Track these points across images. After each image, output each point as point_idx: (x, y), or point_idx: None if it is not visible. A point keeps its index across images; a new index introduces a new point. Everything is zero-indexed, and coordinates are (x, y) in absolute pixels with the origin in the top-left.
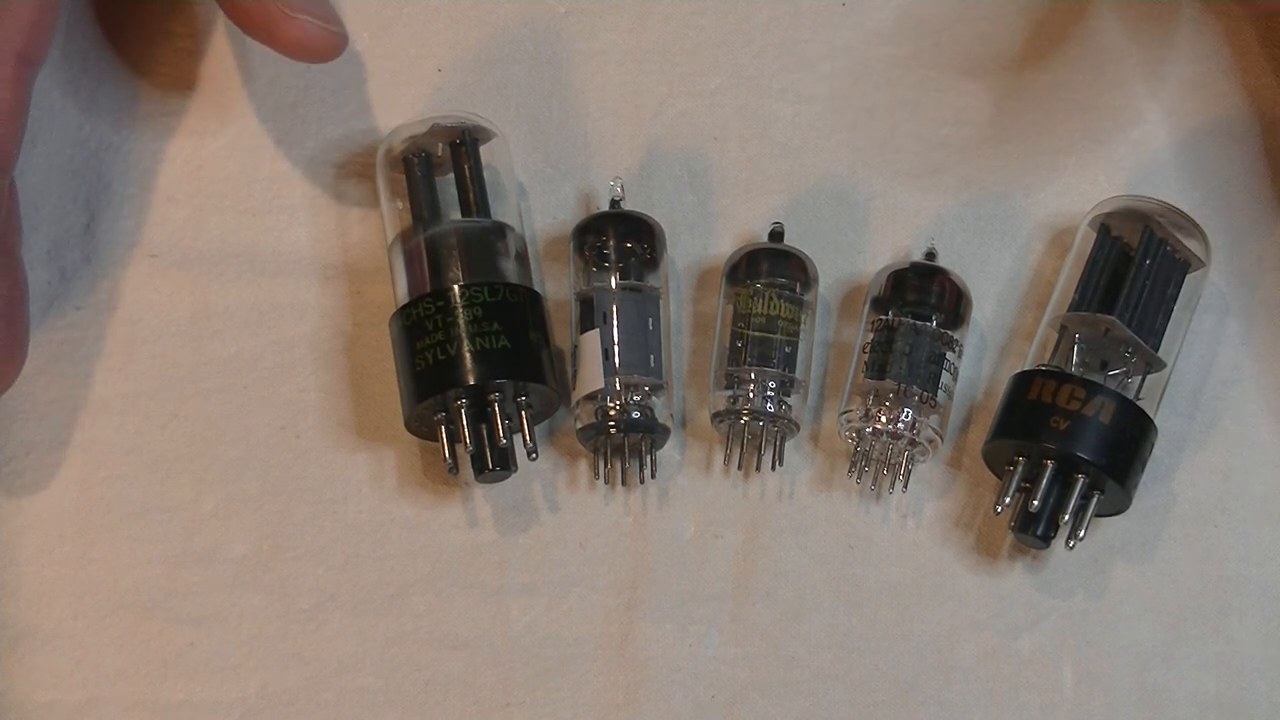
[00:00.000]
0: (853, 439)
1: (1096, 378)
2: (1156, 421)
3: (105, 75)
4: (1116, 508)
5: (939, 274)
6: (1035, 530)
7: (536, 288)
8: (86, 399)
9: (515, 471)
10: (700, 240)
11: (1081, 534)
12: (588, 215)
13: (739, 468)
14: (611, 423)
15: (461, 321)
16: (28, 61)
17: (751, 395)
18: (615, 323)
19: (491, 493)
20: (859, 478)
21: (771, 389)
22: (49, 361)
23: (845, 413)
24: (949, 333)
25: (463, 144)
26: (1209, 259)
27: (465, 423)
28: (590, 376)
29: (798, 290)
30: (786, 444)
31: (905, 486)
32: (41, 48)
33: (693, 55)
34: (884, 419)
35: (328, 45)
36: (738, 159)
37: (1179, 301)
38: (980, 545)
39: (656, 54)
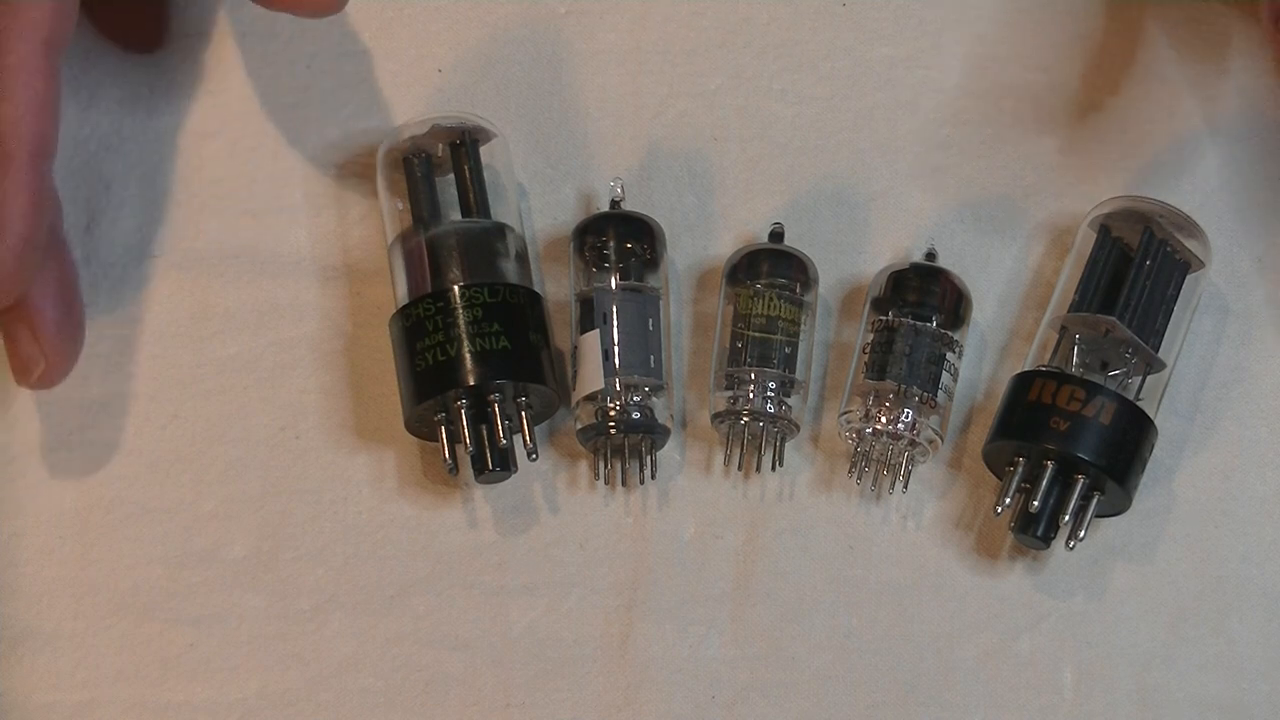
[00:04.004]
0: (853, 439)
1: (1096, 378)
2: (1156, 422)
3: (105, 75)
4: (1117, 508)
5: (939, 274)
6: (1035, 531)
7: (536, 288)
8: (86, 399)
9: (515, 472)
10: (700, 240)
11: (1082, 535)
12: (588, 216)
13: (739, 468)
14: (611, 423)
15: (461, 322)
16: (55, 48)
17: (752, 396)
18: (615, 323)
19: (491, 493)
20: (859, 478)
21: (771, 389)
22: None
23: (845, 413)
24: (949, 333)
25: (463, 144)
26: (1209, 259)
27: (465, 423)
28: (590, 377)
29: (798, 291)
30: (786, 445)
31: (905, 487)
32: (65, 33)
33: (693, 55)
34: (884, 419)
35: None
36: (738, 159)
37: (1179, 302)
38: (980, 546)
39: (656, 54)
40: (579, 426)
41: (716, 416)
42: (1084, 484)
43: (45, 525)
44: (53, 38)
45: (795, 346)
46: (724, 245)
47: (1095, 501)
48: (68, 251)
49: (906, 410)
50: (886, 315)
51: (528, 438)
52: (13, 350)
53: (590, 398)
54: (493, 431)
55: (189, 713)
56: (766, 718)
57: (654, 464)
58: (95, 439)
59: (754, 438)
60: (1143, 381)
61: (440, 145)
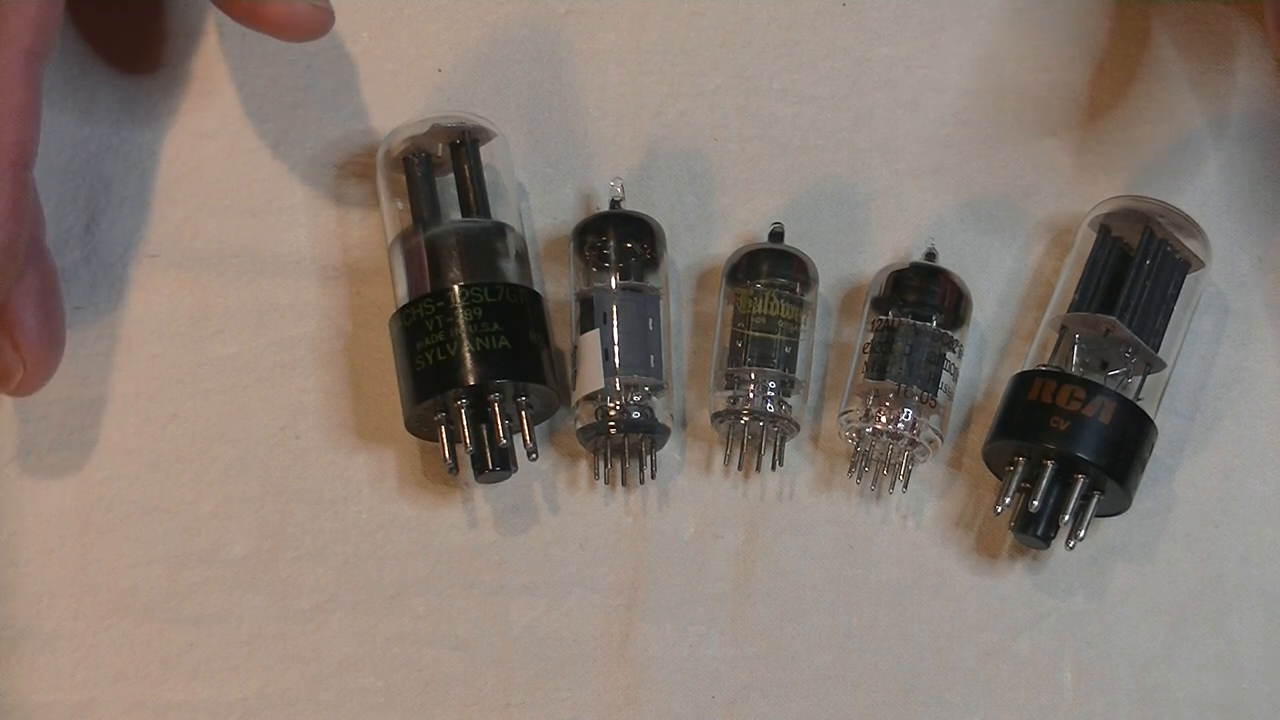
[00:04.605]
0: (853, 439)
1: (1096, 378)
2: (1156, 422)
3: (104, 76)
4: (1116, 508)
5: (939, 274)
6: (1035, 530)
7: (536, 288)
8: (86, 399)
9: (515, 472)
10: (700, 240)
11: (1081, 534)
12: (588, 215)
13: (739, 468)
14: (611, 423)
15: (461, 322)
16: (37, 58)
17: (751, 395)
18: (615, 323)
19: (491, 493)
20: (859, 478)
21: (771, 389)
22: None
23: (845, 413)
24: (949, 333)
25: (463, 144)
26: (1209, 259)
27: (465, 423)
28: (590, 377)
29: (798, 290)
30: (786, 444)
31: (905, 487)
32: (48, 43)
33: (693, 55)
34: (884, 419)
35: (314, 22)
36: (738, 159)
37: (1179, 302)
38: (980, 546)
39: (656, 54)
40: (579, 426)
41: (716, 416)
42: (1084, 484)
43: (45, 525)
44: (35, 47)
45: (795, 346)
46: (724, 245)
47: (1095, 501)
48: (49, 259)
49: (906, 410)
50: (886, 315)
51: (528, 437)
52: None
53: (590, 397)
54: (493, 431)
55: (189, 713)
56: (766, 718)
57: (654, 464)
58: (95, 438)
59: (754, 437)
60: (1143, 381)
61: (440, 145)
